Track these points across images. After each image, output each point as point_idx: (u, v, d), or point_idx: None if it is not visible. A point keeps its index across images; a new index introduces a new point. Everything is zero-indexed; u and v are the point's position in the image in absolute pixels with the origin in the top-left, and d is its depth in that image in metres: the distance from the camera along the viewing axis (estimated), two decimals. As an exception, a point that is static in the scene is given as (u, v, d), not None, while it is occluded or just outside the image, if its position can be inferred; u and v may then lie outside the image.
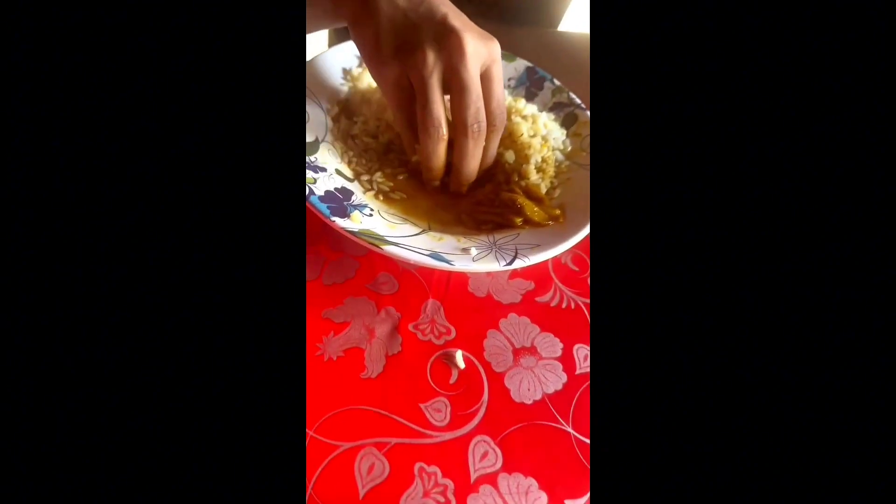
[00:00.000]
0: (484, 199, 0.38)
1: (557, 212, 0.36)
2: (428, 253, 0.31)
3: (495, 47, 0.33)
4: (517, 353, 0.33)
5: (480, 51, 0.32)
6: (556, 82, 0.47)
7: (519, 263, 0.32)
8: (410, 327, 0.33)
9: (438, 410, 0.30)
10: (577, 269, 0.38)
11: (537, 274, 0.37)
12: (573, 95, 0.46)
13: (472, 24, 0.33)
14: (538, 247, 0.33)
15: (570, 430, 0.30)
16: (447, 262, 0.31)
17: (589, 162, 0.41)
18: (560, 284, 0.37)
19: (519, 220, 0.36)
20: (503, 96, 0.35)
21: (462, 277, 0.36)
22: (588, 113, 0.45)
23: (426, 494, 0.27)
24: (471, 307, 0.35)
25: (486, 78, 0.33)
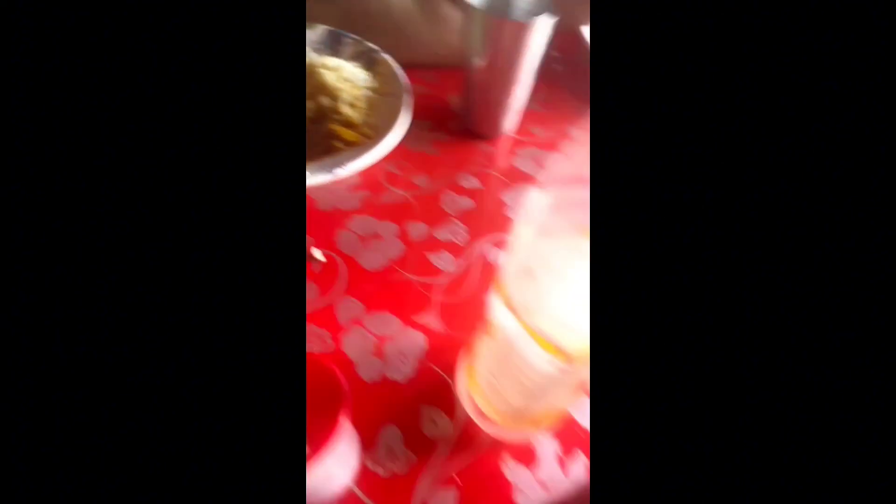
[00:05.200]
0: (312, 135, 0.47)
1: (369, 131, 0.46)
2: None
3: None
4: (363, 239, 0.43)
5: None
6: (354, 37, 0.56)
7: (341, 172, 0.41)
8: (276, 245, 0.42)
9: (309, 292, 0.39)
10: (400, 173, 0.49)
11: (371, 182, 0.47)
12: (369, 44, 0.56)
13: None
14: (356, 158, 0.43)
15: (412, 278, 0.41)
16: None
17: (388, 91, 0.51)
18: (388, 185, 0.47)
19: (340, 144, 0.45)
20: None
21: (309, 200, 0.46)
22: (384, 55, 0.55)
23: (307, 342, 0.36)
24: (319, 220, 0.44)
25: None
